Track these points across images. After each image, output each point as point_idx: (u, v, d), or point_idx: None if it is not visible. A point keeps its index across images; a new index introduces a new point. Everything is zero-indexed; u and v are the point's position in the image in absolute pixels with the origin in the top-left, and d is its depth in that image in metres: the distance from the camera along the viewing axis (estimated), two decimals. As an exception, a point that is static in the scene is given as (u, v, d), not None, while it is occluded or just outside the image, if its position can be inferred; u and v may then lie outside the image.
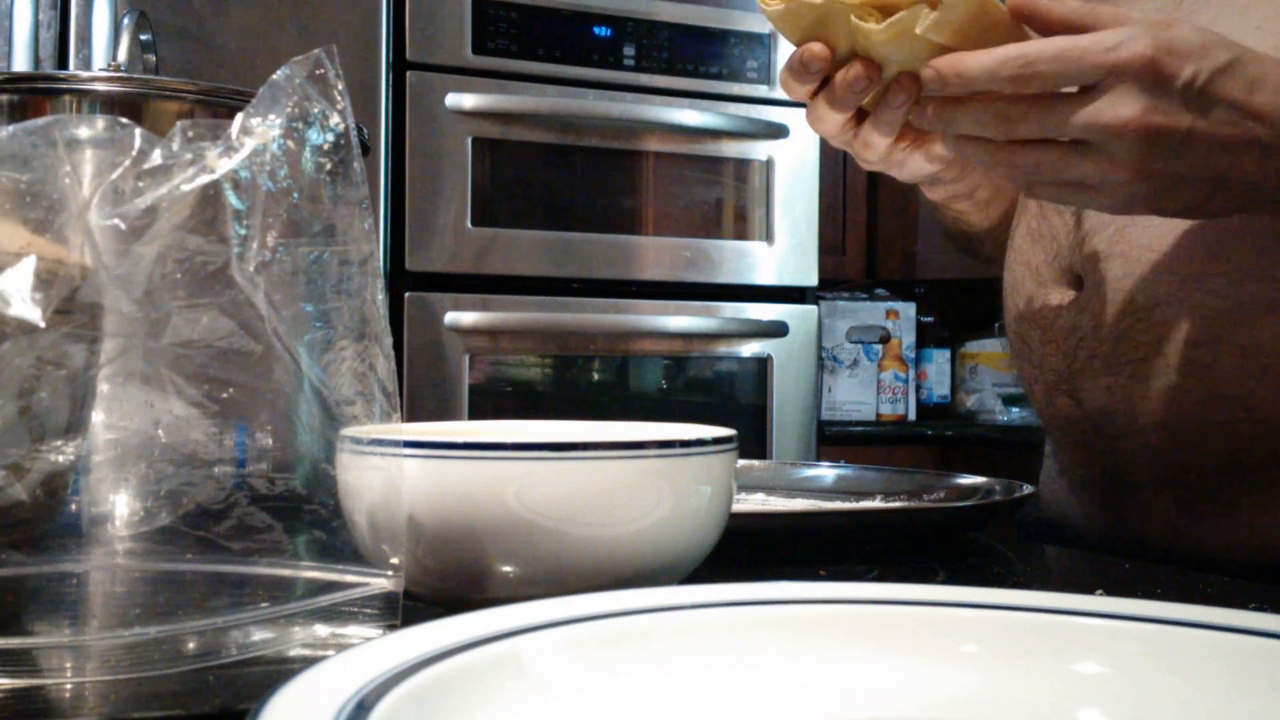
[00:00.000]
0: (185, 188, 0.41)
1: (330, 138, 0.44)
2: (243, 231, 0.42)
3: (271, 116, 0.43)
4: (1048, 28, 0.61)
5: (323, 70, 0.44)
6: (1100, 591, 0.54)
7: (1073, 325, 0.79)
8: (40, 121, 0.41)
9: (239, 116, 0.43)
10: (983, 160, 0.64)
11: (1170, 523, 0.79)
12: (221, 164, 0.42)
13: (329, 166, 0.44)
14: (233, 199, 0.42)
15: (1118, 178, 0.61)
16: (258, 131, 0.42)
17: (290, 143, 0.43)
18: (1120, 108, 0.59)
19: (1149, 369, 0.75)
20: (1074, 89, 0.60)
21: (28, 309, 0.39)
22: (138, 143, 0.41)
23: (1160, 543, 0.79)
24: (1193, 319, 0.73)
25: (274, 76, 0.43)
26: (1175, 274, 0.74)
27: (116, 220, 0.40)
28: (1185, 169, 0.61)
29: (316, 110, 0.44)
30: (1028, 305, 0.84)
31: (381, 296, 0.45)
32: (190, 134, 0.42)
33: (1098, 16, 0.60)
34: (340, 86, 0.44)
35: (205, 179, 0.42)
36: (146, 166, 0.41)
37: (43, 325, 0.39)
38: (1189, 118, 0.59)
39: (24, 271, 0.39)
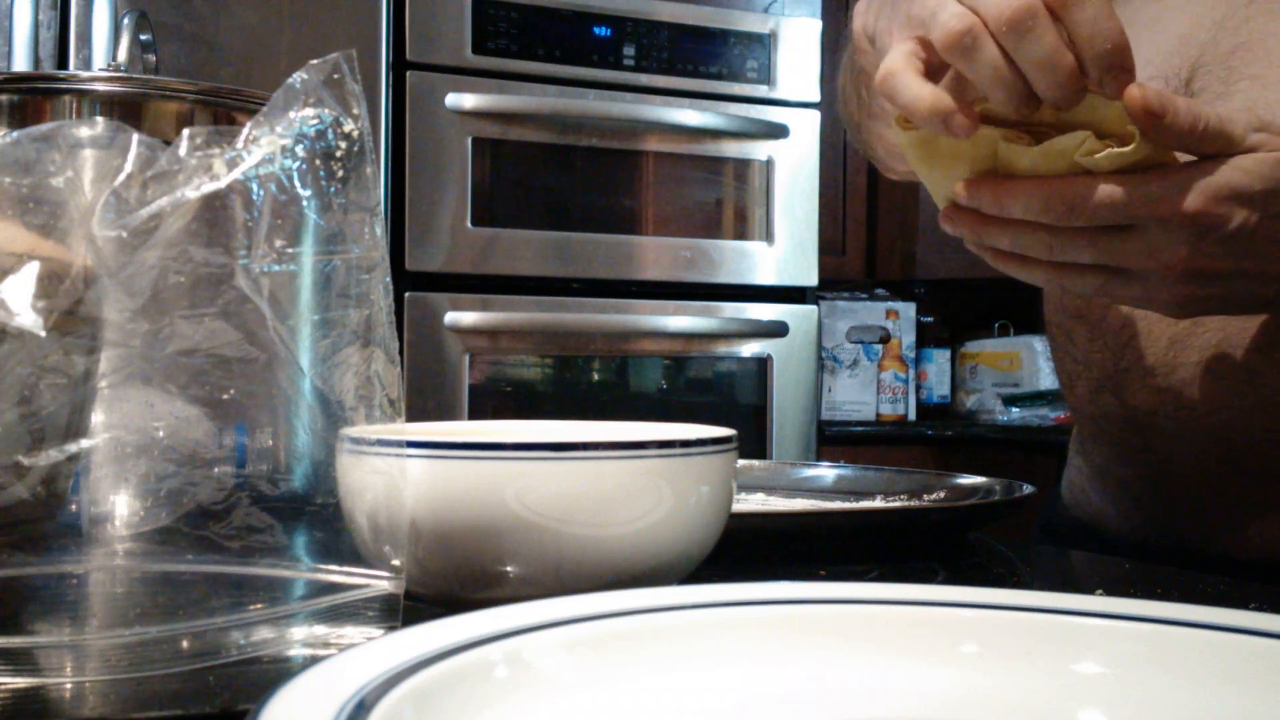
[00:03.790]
0: (191, 195, 0.41)
1: (343, 144, 0.44)
2: (247, 241, 0.42)
3: (282, 123, 0.43)
4: (1176, 140, 0.57)
5: (339, 75, 0.44)
6: (1100, 591, 0.54)
7: (1124, 324, 0.78)
8: (45, 127, 0.41)
9: (248, 124, 0.43)
10: (1030, 278, 0.63)
11: (1210, 523, 0.78)
12: (229, 171, 0.42)
13: (340, 173, 0.44)
14: (239, 206, 0.42)
15: (1166, 298, 0.61)
16: (264, 140, 0.42)
17: (300, 149, 0.43)
18: (1163, 252, 0.58)
19: (1201, 373, 0.74)
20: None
21: (29, 316, 0.39)
22: (143, 149, 0.41)
23: (1199, 542, 0.78)
24: (1250, 325, 0.72)
25: (290, 80, 0.43)
26: None
27: (120, 231, 0.40)
28: (1236, 293, 0.61)
29: (330, 115, 0.44)
30: (1076, 300, 0.82)
31: (387, 302, 0.45)
32: (198, 140, 0.42)
33: (1224, 124, 0.57)
34: (357, 92, 0.44)
35: (211, 186, 0.41)
36: (151, 173, 0.41)
37: (43, 333, 0.39)
38: (1233, 261, 0.59)
39: (27, 277, 0.39)
